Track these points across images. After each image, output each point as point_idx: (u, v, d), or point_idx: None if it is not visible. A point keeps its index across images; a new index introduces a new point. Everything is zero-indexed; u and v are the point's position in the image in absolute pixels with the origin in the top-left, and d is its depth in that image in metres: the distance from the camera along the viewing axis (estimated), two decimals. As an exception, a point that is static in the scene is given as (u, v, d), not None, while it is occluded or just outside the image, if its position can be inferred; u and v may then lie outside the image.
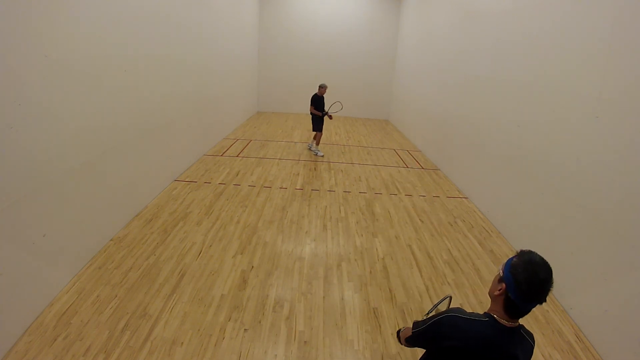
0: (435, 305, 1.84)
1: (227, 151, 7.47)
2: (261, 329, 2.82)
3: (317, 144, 7.70)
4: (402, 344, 1.58)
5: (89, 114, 3.41)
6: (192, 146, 6.51)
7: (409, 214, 5.04)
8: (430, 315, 1.47)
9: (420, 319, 1.52)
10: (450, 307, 1.52)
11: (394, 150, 8.56)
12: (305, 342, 2.73)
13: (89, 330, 2.68)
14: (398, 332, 1.66)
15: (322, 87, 7.42)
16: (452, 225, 4.78)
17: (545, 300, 1.21)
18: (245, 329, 2.80)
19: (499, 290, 1.26)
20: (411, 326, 1.47)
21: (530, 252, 1.27)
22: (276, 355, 2.60)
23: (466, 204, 5.50)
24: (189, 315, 2.90)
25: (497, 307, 1.28)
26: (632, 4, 2.82)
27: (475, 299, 3.32)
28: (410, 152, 8.48)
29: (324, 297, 3.23)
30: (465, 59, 6.26)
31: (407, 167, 7.27)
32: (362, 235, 4.34)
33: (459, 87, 6.49)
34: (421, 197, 5.69)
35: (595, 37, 3.18)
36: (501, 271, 1.28)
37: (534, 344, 1.36)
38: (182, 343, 2.63)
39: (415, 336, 1.42)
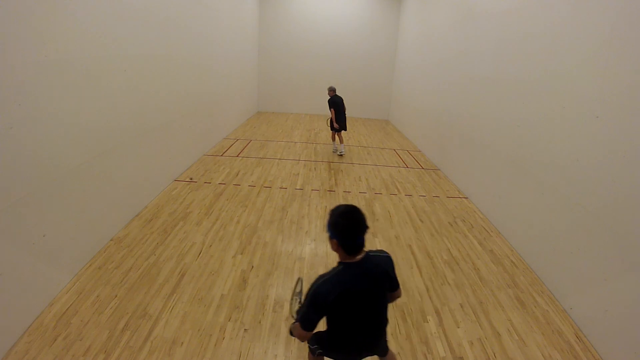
0: (295, 292, 2.07)
1: (227, 151, 7.47)
2: (261, 329, 2.82)
3: (340, 141, 7.83)
4: (303, 340, 1.78)
5: (89, 114, 3.41)
6: (192, 146, 6.51)
7: (409, 214, 5.03)
8: (296, 299, 1.94)
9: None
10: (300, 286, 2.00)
11: (394, 150, 8.56)
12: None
13: (89, 330, 2.68)
14: (291, 332, 1.84)
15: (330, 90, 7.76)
16: (452, 225, 4.78)
17: (367, 227, 1.60)
18: (245, 329, 2.80)
19: (333, 245, 1.63)
20: (295, 319, 1.72)
21: (336, 207, 1.64)
22: (276, 355, 2.60)
23: (466, 204, 5.50)
24: (189, 315, 2.90)
25: (341, 254, 1.65)
26: (632, 4, 2.82)
27: (475, 299, 3.32)
28: (410, 152, 8.48)
29: (324, 297, 3.23)
30: (465, 59, 6.26)
31: (407, 167, 7.27)
32: (362, 235, 4.34)
33: (459, 87, 6.48)
34: (421, 197, 5.69)
35: (595, 37, 3.18)
36: (328, 233, 1.63)
37: (387, 253, 1.77)
38: (182, 343, 2.63)
39: (306, 316, 1.63)
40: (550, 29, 3.86)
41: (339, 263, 1.66)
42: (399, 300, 3.24)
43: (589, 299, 3.00)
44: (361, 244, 1.61)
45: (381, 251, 1.78)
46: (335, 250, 1.64)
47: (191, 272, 3.43)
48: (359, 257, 1.64)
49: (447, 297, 3.33)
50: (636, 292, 2.55)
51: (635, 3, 2.79)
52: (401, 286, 3.40)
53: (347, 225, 1.57)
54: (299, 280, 2.13)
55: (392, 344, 2.75)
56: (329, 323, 1.74)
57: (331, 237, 1.61)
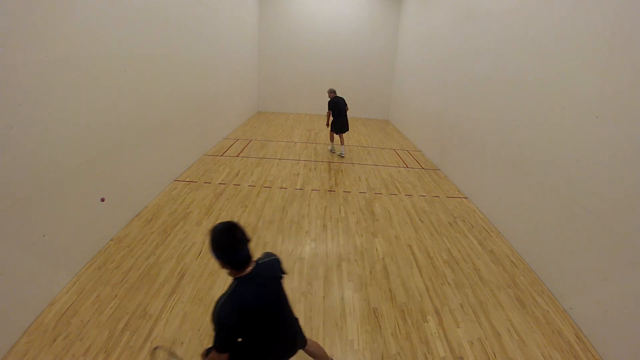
0: None
1: (227, 151, 7.47)
2: (261, 329, 2.82)
3: (341, 143, 7.83)
4: None
5: (89, 114, 3.41)
6: (192, 146, 6.51)
7: (409, 214, 5.03)
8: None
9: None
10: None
11: (394, 150, 8.56)
12: (305, 342, 2.73)
13: (89, 330, 2.68)
14: None
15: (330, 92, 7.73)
16: (452, 225, 4.78)
17: (247, 240, 1.62)
18: (245, 329, 2.80)
19: (220, 264, 1.65)
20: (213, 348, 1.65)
21: (214, 227, 1.65)
22: (276, 355, 2.60)
23: (466, 204, 5.50)
24: (189, 315, 2.90)
25: (231, 271, 1.66)
26: (632, 4, 2.82)
27: (475, 299, 3.32)
28: (410, 152, 8.48)
29: (324, 297, 3.23)
30: (465, 59, 6.26)
31: (407, 167, 7.27)
32: (362, 235, 4.34)
33: (459, 87, 6.49)
34: (421, 197, 5.69)
35: (595, 37, 3.18)
36: (212, 254, 1.65)
37: (275, 256, 1.81)
38: (182, 343, 2.64)
39: (219, 341, 1.60)
40: (550, 29, 3.86)
41: (233, 279, 1.67)
42: (399, 300, 3.25)
43: (589, 299, 3.00)
44: (244, 257, 1.63)
45: (268, 254, 1.81)
46: (223, 267, 1.65)
47: (191, 272, 3.43)
48: (249, 268, 1.66)
49: (447, 297, 3.33)
50: (636, 292, 2.55)
51: (635, 3, 2.79)
52: (401, 286, 3.42)
53: (225, 242, 1.60)
54: (157, 349, 1.95)
55: (391, 344, 2.76)
56: (242, 338, 1.72)
57: (215, 257, 1.63)
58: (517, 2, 4.61)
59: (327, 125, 7.89)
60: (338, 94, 7.75)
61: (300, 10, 11.92)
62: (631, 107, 2.74)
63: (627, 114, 2.78)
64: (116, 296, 3.04)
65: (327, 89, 7.87)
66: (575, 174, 3.33)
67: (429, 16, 8.74)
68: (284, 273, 1.85)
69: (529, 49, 4.26)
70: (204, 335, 2.72)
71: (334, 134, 7.83)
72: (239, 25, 9.39)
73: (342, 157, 7.63)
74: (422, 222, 4.82)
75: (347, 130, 7.73)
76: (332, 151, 7.95)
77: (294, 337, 1.93)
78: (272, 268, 1.78)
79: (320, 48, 12.18)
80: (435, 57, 8.03)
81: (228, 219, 4.57)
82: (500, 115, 4.86)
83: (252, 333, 1.69)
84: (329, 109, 7.57)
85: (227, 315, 1.57)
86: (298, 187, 5.74)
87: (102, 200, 3.52)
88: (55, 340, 2.58)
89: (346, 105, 7.58)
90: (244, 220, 4.51)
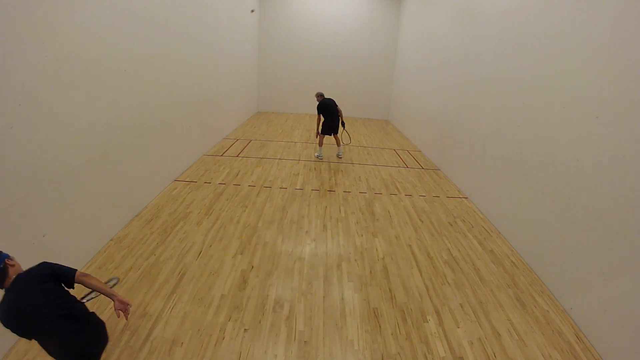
0: None
1: (227, 151, 7.47)
2: (261, 329, 2.82)
3: (338, 144, 7.74)
4: None
5: (89, 114, 3.41)
6: (192, 146, 6.51)
7: (409, 214, 5.03)
8: None
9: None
10: None
11: (394, 150, 8.56)
12: (305, 342, 2.73)
13: (89, 330, 2.68)
14: None
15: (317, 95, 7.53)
16: (452, 225, 4.78)
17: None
18: (245, 329, 2.80)
19: None
20: None
21: None
22: (276, 355, 2.60)
23: (466, 204, 5.50)
24: (189, 315, 2.90)
25: None
26: (632, 4, 2.82)
27: (475, 299, 3.32)
28: (410, 152, 8.48)
29: (324, 297, 3.23)
30: (465, 59, 6.26)
31: (407, 167, 7.27)
32: (362, 235, 4.34)
33: (459, 87, 6.49)
34: (421, 197, 5.69)
35: (595, 37, 3.18)
36: None
37: (40, 268, 1.88)
38: (182, 343, 2.63)
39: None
40: (550, 29, 3.86)
41: None
42: (399, 300, 3.25)
43: (589, 299, 3.00)
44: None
45: (33, 269, 1.90)
46: None
47: (191, 272, 3.43)
48: (8, 282, 1.80)
49: (447, 297, 3.33)
50: (636, 292, 2.55)
51: (635, 3, 2.79)
52: (401, 286, 3.42)
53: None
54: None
55: (391, 344, 2.76)
56: None
57: None
58: (517, 2, 4.61)
59: (318, 132, 7.43)
60: (337, 95, 7.64)
61: (300, 10, 11.92)
62: (631, 107, 2.74)
63: (627, 114, 2.78)
64: (116, 296, 3.04)
65: (326, 90, 7.65)
66: (575, 174, 3.33)
67: (429, 16, 8.74)
68: (59, 272, 1.92)
69: (529, 49, 4.26)
70: (204, 335, 2.72)
71: (323, 138, 7.51)
72: (239, 25, 9.39)
73: (340, 157, 7.60)
74: (422, 222, 4.82)
75: (337, 132, 7.51)
76: (319, 157, 7.44)
77: (73, 333, 1.89)
78: (35, 273, 1.87)
79: (320, 48, 12.18)
80: (435, 57, 8.03)
81: (229, 219, 4.55)
82: (500, 115, 4.86)
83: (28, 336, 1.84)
84: (318, 113, 7.33)
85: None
86: (298, 187, 5.74)
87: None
88: (55, 340, 2.58)
89: (337, 105, 7.36)
90: (244, 220, 4.51)
